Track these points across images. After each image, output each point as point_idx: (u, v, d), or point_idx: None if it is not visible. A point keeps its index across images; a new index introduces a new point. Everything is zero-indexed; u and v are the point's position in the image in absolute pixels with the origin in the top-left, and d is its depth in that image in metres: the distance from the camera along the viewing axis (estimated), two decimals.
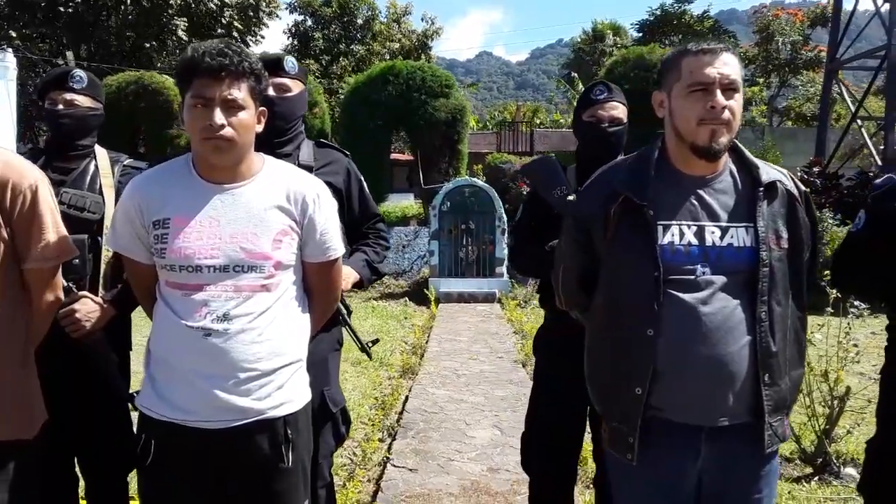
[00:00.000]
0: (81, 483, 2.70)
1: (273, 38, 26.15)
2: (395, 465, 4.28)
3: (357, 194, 2.73)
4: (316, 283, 2.07)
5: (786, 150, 20.75)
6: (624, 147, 2.73)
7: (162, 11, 21.45)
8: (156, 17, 21.50)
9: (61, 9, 19.73)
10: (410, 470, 4.23)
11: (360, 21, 26.89)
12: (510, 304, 11.50)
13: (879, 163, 16.31)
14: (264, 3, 23.02)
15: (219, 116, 1.81)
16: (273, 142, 2.49)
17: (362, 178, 2.79)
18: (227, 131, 1.82)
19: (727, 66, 1.81)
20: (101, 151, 2.68)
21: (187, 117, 1.86)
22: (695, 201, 1.87)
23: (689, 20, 26.90)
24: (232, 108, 1.83)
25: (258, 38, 23.24)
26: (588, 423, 2.81)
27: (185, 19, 21.61)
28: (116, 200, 2.61)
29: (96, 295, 2.47)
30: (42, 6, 19.86)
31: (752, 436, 1.83)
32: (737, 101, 1.81)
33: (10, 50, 12.46)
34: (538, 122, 25.02)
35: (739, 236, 1.84)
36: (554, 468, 2.78)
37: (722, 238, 1.84)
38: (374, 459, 4.44)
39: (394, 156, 20.53)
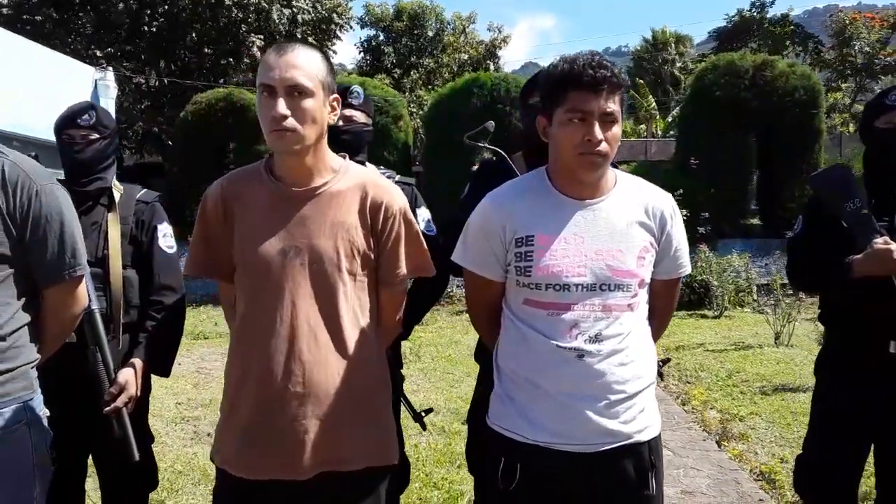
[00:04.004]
0: None
1: (344, 52, 26.42)
2: None
3: None
4: (659, 300, 1.99)
5: None
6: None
7: (237, 28, 21.77)
8: (231, 34, 21.83)
9: (144, 28, 20.18)
10: None
11: (430, 34, 27.07)
12: None
13: None
14: (336, 16, 23.22)
15: (598, 131, 1.74)
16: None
17: None
18: (604, 146, 1.76)
19: None
20: (370, 167, 2.65)
21: (560, 132, 1.79)
22: None
23: (768, 25, 26.29)
24: (608, 121, 1.76)
25: (331, 52, 23.50)
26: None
27: (262, 37, 21.87)
28: None
29: None
30: (126, 25, 20.33)
31: None
32: None
33: (110, 69, 12.70)
34: None
35: None
36: (838, 496, 2.63)
37: None
38: None
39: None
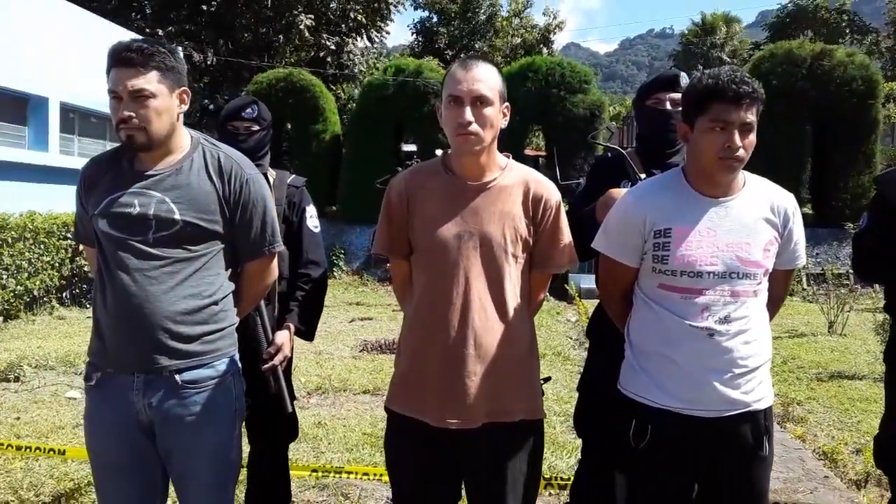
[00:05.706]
0: None
1: (396, 34, 26.69)
2: None
3: None
4: (776, 288, 2.26)
5: None
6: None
7: (290, 8, 22.10)
8: (283, 13, 22.18)
9: (204, 7, 20.67)
10: None
11: (482, 17, 27.19)
12: None
13: None
14: None
15: (737, 139, 2.02)
16: (664, 153, 2.74)
17: None
18: (742, 152, 2.03)
19: None
20: None
21: (702, 139, 2.06)
22: None
23: (824, 14, 25.91)
24: (746, 130, 2.04)
25: (384, 33, 23.75)
26: None
27: (312, 16, 22.15)
28: None
29: None
30: (186, 5, 20.86)
31: None
32: None
33: (179, 48, 13.17)
34: None
35: None
36: None
37: None
38: None
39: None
